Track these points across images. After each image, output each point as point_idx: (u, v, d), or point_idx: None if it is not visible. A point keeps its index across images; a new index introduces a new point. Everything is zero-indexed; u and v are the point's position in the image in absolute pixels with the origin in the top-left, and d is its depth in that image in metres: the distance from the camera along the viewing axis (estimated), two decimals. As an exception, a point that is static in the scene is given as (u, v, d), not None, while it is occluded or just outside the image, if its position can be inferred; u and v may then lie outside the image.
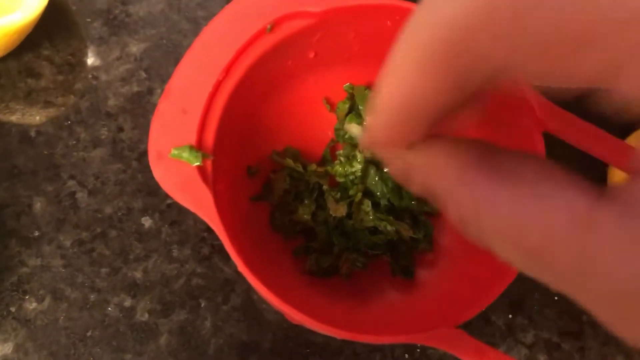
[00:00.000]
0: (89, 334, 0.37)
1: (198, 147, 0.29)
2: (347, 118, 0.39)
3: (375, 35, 0.34)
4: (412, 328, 0.30)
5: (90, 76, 0.41)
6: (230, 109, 0.30)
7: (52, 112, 0.41)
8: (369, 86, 0.38)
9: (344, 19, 0.33)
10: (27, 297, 0.37)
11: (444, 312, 0.32)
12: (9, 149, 0.40)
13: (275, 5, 0.31)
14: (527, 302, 0.39)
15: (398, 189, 0.38)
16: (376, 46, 0.35)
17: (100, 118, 0.40)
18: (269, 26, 0.31)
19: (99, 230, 0.38)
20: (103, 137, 0.40)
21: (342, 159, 0.38)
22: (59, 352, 0.36)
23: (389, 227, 0.37)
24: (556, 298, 0.38)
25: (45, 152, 0.40)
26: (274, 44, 0.31)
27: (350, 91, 0.39)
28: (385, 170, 0.38)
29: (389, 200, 0.38)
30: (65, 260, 0.38)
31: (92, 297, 0.37)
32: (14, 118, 0.40)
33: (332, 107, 0.39)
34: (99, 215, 0.39)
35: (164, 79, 0.41)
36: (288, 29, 0.32)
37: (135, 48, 0.42)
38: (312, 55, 0.35)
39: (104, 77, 0.41)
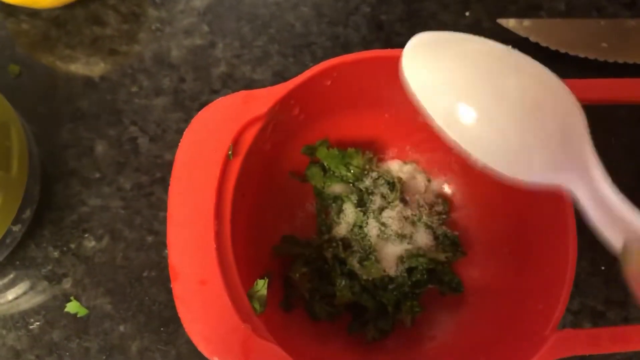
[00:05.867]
0: (145, 274, 0.37)
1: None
2: (326, 182, 0.37)
3: (315, 100, 0.34)
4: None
5: (154, 27, 0.42)
6: (234, 244, 0.30)
7: (116, 59, 0.41)
8: (321, 142, 0.37)
9: (288, 102, 0.32)
10: (86, 235, 0.38)
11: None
12: (74, 93, 0.41)
13: (224, 125, 0.30)
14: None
15: (402, 218, 0.37)
16: (317, 108, 0.35)
17: (163, 68, 0.41)
18: (229, 152, 0.30)
19: (158, 175, 0.39)
20: (165, 86, 0.41)
21: (342, 221, 0.37)
22: (116, 290, 0.37)
23: (421, 260, 0.36)
24: (603, 268, 0.39)
25: (108, 98, 0.41)
26: (241, 164, 0.31)
27: (309, 152, 0.37)
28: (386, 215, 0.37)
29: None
30: (125, 202, 0.39)
31: (150, 239, 0.38)
32: (79, 63, 0.41)
33: (301, 176, 0.38)
34: (159, 161, 0.39)
35: (226, 34, 0.42)
36: (245, 142, 0.31)
37: (199, 2, 0.43)
38: (268, 147, 0.34)
39: (167, 29, 0.42)
